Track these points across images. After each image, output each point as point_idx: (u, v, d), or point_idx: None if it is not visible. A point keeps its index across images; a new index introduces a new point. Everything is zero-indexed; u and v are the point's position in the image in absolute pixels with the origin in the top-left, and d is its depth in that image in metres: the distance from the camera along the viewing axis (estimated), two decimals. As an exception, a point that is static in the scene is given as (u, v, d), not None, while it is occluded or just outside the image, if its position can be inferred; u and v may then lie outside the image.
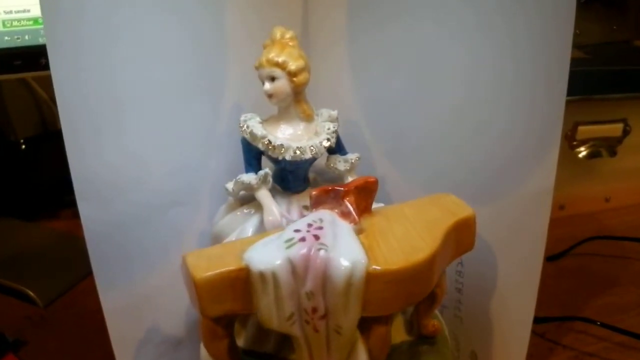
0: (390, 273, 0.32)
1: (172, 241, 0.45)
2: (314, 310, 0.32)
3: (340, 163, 0.44)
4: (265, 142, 0.40)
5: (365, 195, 0.36)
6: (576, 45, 0.35)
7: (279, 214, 0.40)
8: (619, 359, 0.54)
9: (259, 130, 0.40)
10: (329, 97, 0.51)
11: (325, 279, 0.31)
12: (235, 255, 0.33)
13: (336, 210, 0.35)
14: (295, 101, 0.41)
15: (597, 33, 0.84)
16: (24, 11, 0.60)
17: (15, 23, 0.60)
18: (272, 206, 0.40)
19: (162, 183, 0.44)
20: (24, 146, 0.85)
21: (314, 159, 0.41)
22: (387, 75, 0.47)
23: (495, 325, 0.46)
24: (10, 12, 0.59)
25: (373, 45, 0.47)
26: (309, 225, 0.34)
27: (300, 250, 0.32)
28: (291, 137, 0.41)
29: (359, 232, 0.35)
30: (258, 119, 0.41)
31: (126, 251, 0.42)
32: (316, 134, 0.42)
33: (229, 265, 0.32)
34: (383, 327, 0.34)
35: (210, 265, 0.32)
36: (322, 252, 0.32)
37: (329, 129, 0.42)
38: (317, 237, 0.33)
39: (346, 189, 0.35)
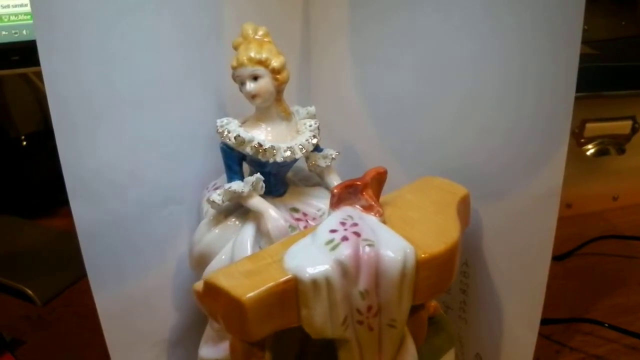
0: (436, 257, 0.32)
1: (168, 240, 0.44)
2: (369, 308, 0.31)
3: (320, 160, 0.43)
4: (255, 146, 0.38)
5: (376, 186, 0.36)
6: (584, 41, 0.34)
7: (282, 218, 0.38)
8: (628, 362, 0.53)
9: (245, 134, 0.38)
10: (330, 91, 0.50)
11: (378, 275, 0.31)
12: (272, 267, 0.31)
13: (357, 205, 0.35)
14: (276, 100, 0.40)
15: (605, 28, 0.83)
16: (21, 5, 0.59)
17: (12, 17, 0.59)
18: (273, 211, 0.38)
19: (157, 181, 0.43)
20: (24, 142, 0.85)
21: (295, 160, 0.40)
22: (391, 69, 0.46)
23: (501, 327, 0.45)
24: (8, 6, 0.58)
25: (376, 38, 0.46)
26: (342, 223, 0.33)
27: (346, 250, 0.31)
28: (276, 138, 0.40)
29: (383, 223, 0.34)
30: (237, 122, 0.40)
31: (120, 251, 0.41)
32: (298, 132, 0.41)
33: (275, 279, 0.30)
34: (423, 312, 0.35)
35: (253, 282, 0.30)
36: (369, 249, 0.31)
37: (310, 125, 0.41)
38: (358, 234, 0.32)
39: (363, 182, 0.35)
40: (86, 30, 0.37)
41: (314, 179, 0.45)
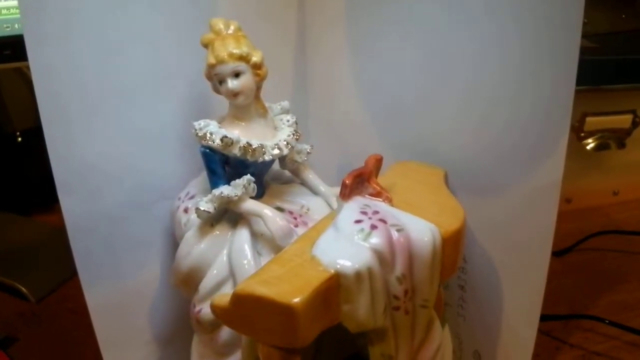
0: (455, 234, 0.33)
1: (161, 236, 0.44)
2: (406, 292, 0.32)
3: (296, 155, 0.41)
4: (244, 146, 0.37)
5: (376, 174, 0.36)
6: (584, 35, 0.34)
7: (279, 216, 0.37)
8: (628, 359, 0.52)
9: (232, 134, 0.37)
10: (325, 82, 0.49)
11: (411, 257, 0.31)
12: (306, 267, 0.30)
13: (365, 194, 0.35)
14: (255, 97, 0.39)
15: (605, 22, 0.83)
16: (13, -2, 0.58)
17: (4, 11, 0.58)
18: (269, 211, 0.37)
19: (151, 175, 0.42)
20: (20, 139, 0.84)
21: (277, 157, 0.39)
22: (389, 59, 0.46)
23: (500, 324, 0.45)
24: (-1, -1, 0.58)
25: (373, 28, 0.46)
26: (364, 213, 0.33)
27: (379, 238, 0.31)
28: (257, 137, 0.38)
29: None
30: (215, 123, 0.38)
31: (111, 246, 0.41)
32: (275, 128, 0.40)
33: (318, 278, 0.29)
34: (440, 289, 0.36)
35: (296, 285, 0.29)
36: (398, 234, 0.31)
37: (288, 120, 0.40)
38: (384, 221, 0.32)
39: (368, 170, 0.35)
40: (77, 23, 0.37)
41: (285, 176, 0.44)
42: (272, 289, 0.29)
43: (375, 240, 0.31)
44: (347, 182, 0.34)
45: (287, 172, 0.44)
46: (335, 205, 0.41)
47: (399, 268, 0.31)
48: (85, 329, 0.42)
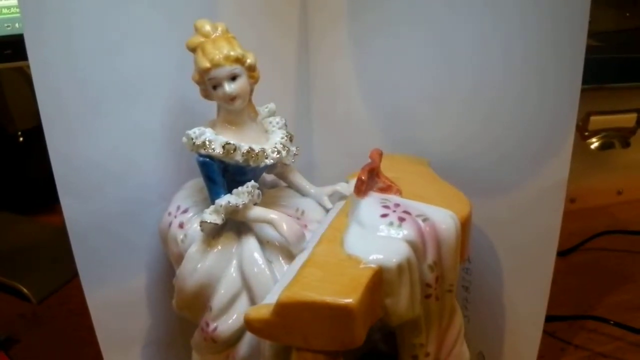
0: (468, 219, 0.34)
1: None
2: (437, 279, 0.32)
3: (285, 157, 0.40)
4: (247, 151, 0.35)
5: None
6: (588, 33, 0.34)
7: (296, 221, 0.36)
8: (634, 360, 0.52)
9: (233, 141, 0.35)
10: (328, 80, 0.49)
11: (439, 245, 0.32)
12: (346, 266, 0.30)
13: (375, 189, 0.35)
14: (248, 101, 0.37)
15: (609, 20, 0.82)
16: (13, -3, 0.58)
17: (4, 11, 0.58)
18: (276, 215, 0.35)
19: (152, 175, 0.42)
20: (21, 138, 0.84)
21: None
22: (392, 57, 0.45)
23: (505, 325, 0.44)
24: (-1, -1, 0.57)
25: (375, 26, 0.45)
26: (386, 207, 0.33)
27: (409, 229, 0.31)
28: (251, 141, 0.37)
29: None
30: (210, 130, 0.36)
31: (114, 246, 0.41)
32: (266, 132, 0.39)
33: (365, 275, 0.29)
34: None
35: (345, 286, 0.28)
36: (424, 223, 0.32)
37: (277, 122, 0.39)
38: (408, 213, 0.32)
39: (376, 165, 0.35)
40: (77, 22, 0.36)
41: (267, 181, 0.43)
42: (321, 292, 0.28)
43: (407, 231, 0.31)
44: (363, 177, 0.34)
45: (268, 177, 0.43)
46: (328, 204, 0.40)
47: (430, 256, 0.32)
48: (86, 330, 0.42)
